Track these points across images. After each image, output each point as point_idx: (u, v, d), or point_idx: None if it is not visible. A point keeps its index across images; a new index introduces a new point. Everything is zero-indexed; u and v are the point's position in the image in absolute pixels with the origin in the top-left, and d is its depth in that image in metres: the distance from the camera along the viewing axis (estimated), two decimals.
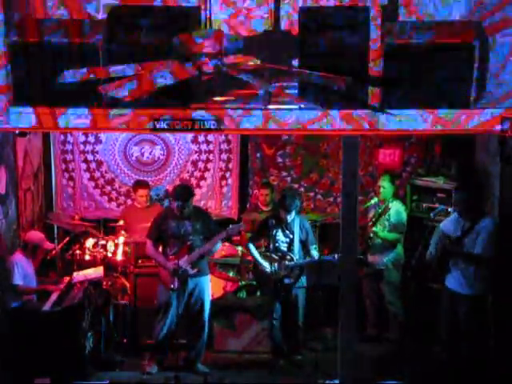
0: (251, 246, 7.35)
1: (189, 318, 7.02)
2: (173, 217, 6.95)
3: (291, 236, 7.21)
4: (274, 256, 7.15)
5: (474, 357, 6.52)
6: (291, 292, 7.21)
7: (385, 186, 7.66)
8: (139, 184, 8.52)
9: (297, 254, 7.19)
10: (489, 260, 6.38)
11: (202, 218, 7.03)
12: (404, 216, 7.64)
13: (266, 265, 7.15)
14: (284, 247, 7.23)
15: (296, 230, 7.20)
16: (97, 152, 9.04)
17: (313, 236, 7.39)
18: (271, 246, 7.15)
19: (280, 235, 7.23)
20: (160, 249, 7.08)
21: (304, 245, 7.26)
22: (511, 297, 6.42)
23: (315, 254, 7.22)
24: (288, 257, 7.18)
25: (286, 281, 7.16)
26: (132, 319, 7.54)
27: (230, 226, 7.11)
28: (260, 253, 7.29)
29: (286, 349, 7.30)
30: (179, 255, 6.85)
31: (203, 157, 9.09)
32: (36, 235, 7.18)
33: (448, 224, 6.69)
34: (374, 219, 7.58)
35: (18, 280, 6.73)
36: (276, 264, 7.13)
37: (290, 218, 7.15)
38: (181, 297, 6.87)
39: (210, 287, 7.18)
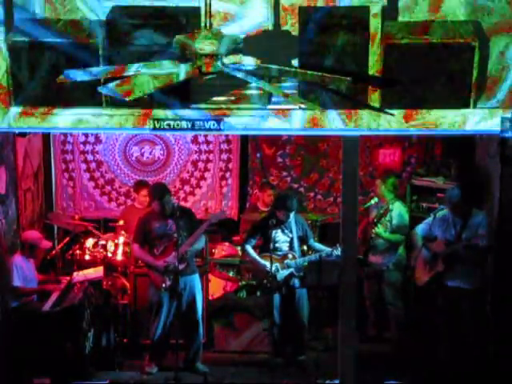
0: (249, 248, 7.30)
1: (182, 316, 7.02)
2: (155, 218, 7.02)
3: (290, 235, 7.22)
4: (274, 255, 7.12)
5: (474, 355, 6.53)
6: (295, 291, 7.21)
7: (377, 183, 7.69)
8: (142, 184, 8.48)
9: (297, 252, 7.19)
10: (492, 249, 6.44)
11: (184, 214, 7.05)
12: (406, 218, 7.61)
13: (266, 264, 7.05)
14: (286, 247, 7.22)
15: (293, 227, 7.21)
16: (97, 152, 9.04)
17: (309, 229, 7.40)
18: (271, 245, 7.12)
19: (280, 235, 7.22)
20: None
21: (303, 241, 7.26)
22: (511, 297, 6.44)
23: (317, 245, 7.25)
24: (290, 255, 7.18)
25: (290, 279, 7.15)
26: (132, 319, 7.55)
27: (212, 213, 7.16)
28: (259, 254, 7.26)
29: (290, 349, 7.29)
30: (166, 253, 6.90)
31: (203, 157, 9.09)
32: (32, 234, 7.18)
33: (431, 227, 6.73)
34: (375, 220, 7.58)
35: (17, 282, 6.73)
36: (278, 263, 7.14)
37: (290, 218, 7.14)
38: (172, 296, 6.90)
39: (200, 285, 7.18)
